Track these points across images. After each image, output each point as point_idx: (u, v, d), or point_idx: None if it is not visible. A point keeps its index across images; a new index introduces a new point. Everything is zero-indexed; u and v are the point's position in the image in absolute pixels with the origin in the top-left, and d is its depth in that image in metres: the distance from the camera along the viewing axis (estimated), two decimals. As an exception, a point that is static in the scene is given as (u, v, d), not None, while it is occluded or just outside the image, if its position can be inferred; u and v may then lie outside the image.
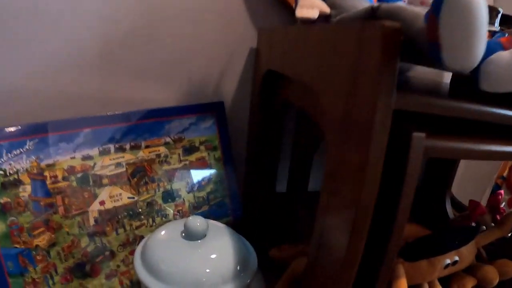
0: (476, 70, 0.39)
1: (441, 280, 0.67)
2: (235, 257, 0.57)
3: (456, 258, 0.64)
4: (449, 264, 0.63)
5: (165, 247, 0.58)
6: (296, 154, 0.80)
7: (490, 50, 0.39)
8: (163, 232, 0.61)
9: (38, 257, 0.63)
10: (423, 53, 0.38)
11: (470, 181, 1.00)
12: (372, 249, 0.43)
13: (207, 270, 0.55)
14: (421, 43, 0.37)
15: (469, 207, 0.70)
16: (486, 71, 0.39)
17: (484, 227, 0.76)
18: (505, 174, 1.17)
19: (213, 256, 0.57)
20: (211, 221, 0.61)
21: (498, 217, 0.75)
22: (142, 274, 0.55)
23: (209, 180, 0.76)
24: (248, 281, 0.57)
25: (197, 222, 0.58)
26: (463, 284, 0.67)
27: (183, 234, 0.58)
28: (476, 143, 0.48)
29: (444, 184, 0.87)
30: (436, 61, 0.36)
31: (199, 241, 0.58)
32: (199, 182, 0.75)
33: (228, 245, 0.59)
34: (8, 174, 0.62)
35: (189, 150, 0.75)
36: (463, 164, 0.89)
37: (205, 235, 0.59)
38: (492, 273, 0.68)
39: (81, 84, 0.73)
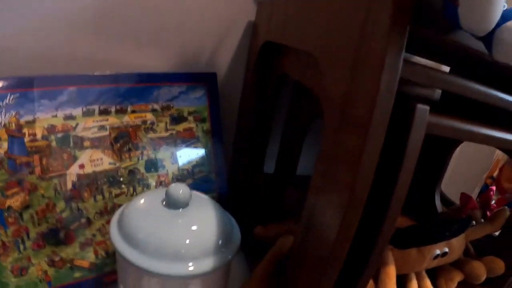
0: (490, 36, 0.37)
1: (428, 272, 0.65)
2: (218, 231, 0.54)
3: (446, 249, 0.63)
4: (438, 255, 0.62)
5: (143, 214, 0.54)
6: (287, 135, 0.77)
7: (505, 17, 0.37)
8: (142, 199, 0.57)
9: (10, 219, 0.59)
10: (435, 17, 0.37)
11: (460, 180, 0.98)
12: (364, 232, 0.41)
13: (187, 241, 0.51)
14: (436, 3, 0.36)
15: (460, 200, 0.68)
16: (500, 38, 0.37)
17: (474, 222, 0.74)
18: (495, 174, 1.16)
19: (194, 227, 0.53)
20: (195, 192, 0.57)
21: (488, 213, 0.73)
22: (118, 241, 0.52)
23: (195, 152, 0.72)
24: (230, 257, 0.53)
25: (179, 189, 0.54)
26: (450, 278, 0.66)
27: (164, 203, 0.55)
28: (478, 126, 0.47)
29: (434, 179, 0.85)
30: (451, 20, 0.35)
31: (180, 210, 0.54)
32: (184, 154, 0.71)
33: (211, 217, 0.55)
34: (-16, 128, 0.57)
35: (177, 119, 0.71)
36: (453, 162, 0.86)
37: (187, 205, 0.55)
38: (480, 269, 0.67)
39: (72, 43, 0.69)
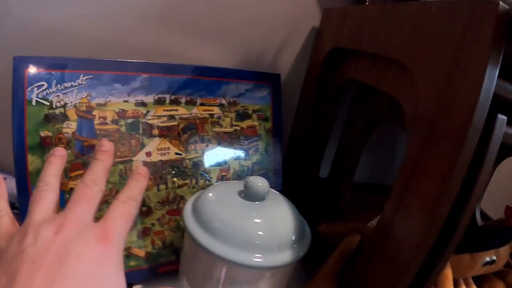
0: None
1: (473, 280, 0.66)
2: (292, 226, 0.53)
3: (494, 257, 0.63)
4: (488, 262, 0.62)
5: (221, 203, 0.54)
6: (345, 140, 0.77)
7: None
8: (218, 189, 0.57)
9: (71, 201, 0.57)
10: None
11: (496, 197, 0.99)
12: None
13: (261, 233, 0.50)
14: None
15: (505, 212, 0.69)
16: None
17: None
18: None
19: (271, 220, 0.53)
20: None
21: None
22: (193, 227, 0.51)
23: (256, 150, 0.72)
24: (301, 253, 0.53)
25: (259, 182, 0.54)
26: (493, 286, 0.67)
27: (242, 194, 0.54)
28: None
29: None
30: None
31: (257, 202, 0.54)
32: (246, 151, 0.71)
33: (286, 213, 0.55)
34: (54, 106, 0.57)
35: (242, 116, 0.71)
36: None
37: (264, 199, 0.55)
38: None
39: (138, 33, 0.69)
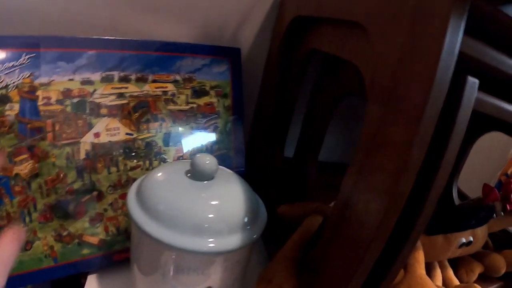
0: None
1: (449, 263, 0.65)
2: (245, 207, 0.49)
3: (471, 238, 0.61)
4: (463, 243, 0.60)
5: (165, 185, 0.50)
6: (311, 115, 0.73)
7: None
8: (164, 170, 0.53)
9: (17, 188, 0.54)
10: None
11: (474, 177, 0.94)
12: (401, 217, 0.38)
13: (211, 215, 0.46)
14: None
15: (483, 191, 0.64)
16: None
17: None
18: (509, 171, 1.13)
19: (220, 201, 0.48)
20: (220, 166, 0.52)
21: (508, 206, 0.70)
22: (135, 212, 0.47)
23: (215, 128, 0.67)
24: (255, 236, 0.48)
25: (206, 159, 0.49)
26: (471, 269, 0.65)
27: (188, 174, 0.50)
28: None
29: (452, 173, 0.81)
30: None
31: (205, 182, 0.49)
32: (204, 129, 0.66)
33: (237, 193, 0.50)
34: (-5, 88, 0.52)
35: (198, 92, 0.66)
36: (467, 159, 0.83)
37: (213, 178, 0.50)
38: (500, 262, 0.66)
39: (92, 8, 0.64)
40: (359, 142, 0.41)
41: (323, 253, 0.47)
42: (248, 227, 0.48)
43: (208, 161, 0.49)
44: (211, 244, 0.44)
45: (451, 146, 0.36)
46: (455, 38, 0.32)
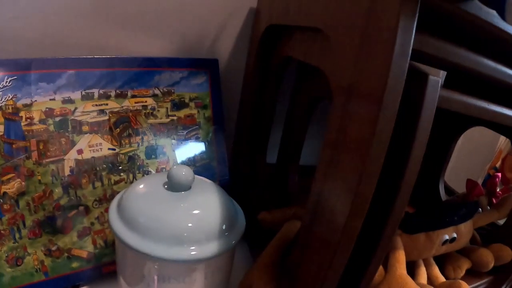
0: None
1: (436, 260, 0.64)
2: (222, 215, 0.50)
3: (454, 235, 0.60)
4: (447, 240, 0.59)
5: (144, 197, 0.51)
6: (290, 122, 0.74)
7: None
8: (143, 183, 0.54)
9: (5, 206, 0.55)
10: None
11: (462, 171, 0.95)
12: (374, 217, 0.39)
13: (189, 225, 0.47)
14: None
15: (467, 186, 0.65)
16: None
17: (480, 209, 0.71)
18: (497, 165, 1.13)
19: (197, 210, 0.50)
20: (198, 176, 0.53)
21: (494, 200, 0.70)
22: (117, 226, 0.48)
23: (196, 139, 0.69)
24: (234, 242, 0.50)
25: (182, 171, 0.50)
26: (458, 265, 0.64)
27: (166, 186, 0.51)
28: (488, 103, 0.45)
29: (438, 169, 0.81)
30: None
31: (183, 192, 0.51)
32: (186, 141, 0.67)
33: (214, 201, 0.51)
34: (-21, 111, 0.54)
35: (178, 105, 0.67)
36: (455, 153, 0.83)
37: (190, 188, 0.51)
38: (488, 257, 0.65)
39: (70, 29, 0.65)
40: (323, 144, 0.42)
41: (298, 257, 0.48)
42: (227, 233, 0.49)
43: (184, 172, 0.50)
44: (191, 252, 0.46)
45: (417, 145, 0.37)
46: (407, 36, 0.32)
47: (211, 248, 0.47)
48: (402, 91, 0.34)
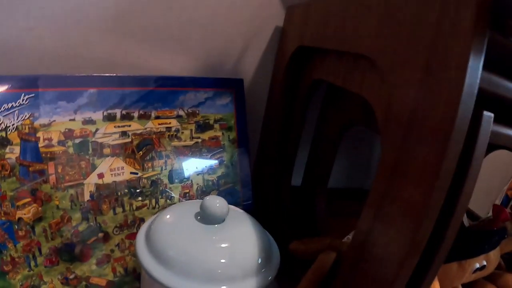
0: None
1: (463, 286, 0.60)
2: (258, 249, 0.45)
3: (484, 262, 0.57)
4: (477, 268, 0.56)
5: (175, 229, 0.46)
6: (318, 144, 0.69)
7: None
8: (173, 212, 0.49)
9: (21, 233, 0.50)
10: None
11: (480, 193, 0.91)
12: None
13: (223, 261, 0.42)
14: None
15: (493, 212, 0.61)
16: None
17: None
18: None
19: (232, 245, 0.45)
20: (230, 206, 0.48)
21: (517, 225, 0.66)
22: (145, 258, 0.43)
23: (221, 162, 0.64)
24: (270, 277, 0.45)
25: (216, 202, 0.46)
26: None
27: (198, 217, 0.46)
28: None
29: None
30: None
31: (216, 226, 0.46)
32: (210, 164, 0.63)
33: (249, 234, 0.47)
34: (-6, 131, 0.48)
35: (203, 127, 0.62)
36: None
37: (224, 220, 0.46)
38: None
39: (91, 44, 0.60)
40: (376, 176, 0.38)
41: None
42: (263, 269, 0.45)
43: (218, 204, 0.45)
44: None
45: (470, 179, 0.33)
46: (475, 73, 0.29)
47: (247, 285, 0.42)
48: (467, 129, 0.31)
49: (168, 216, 0.48)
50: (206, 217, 0.45)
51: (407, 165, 0.34)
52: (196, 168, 0.61)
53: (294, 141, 0.64)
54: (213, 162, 0.63)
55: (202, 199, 0.47)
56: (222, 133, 0.64)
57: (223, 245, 0.44)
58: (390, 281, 0.35)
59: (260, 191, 0.66)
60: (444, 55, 0.30)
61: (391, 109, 0.36)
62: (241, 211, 0.52)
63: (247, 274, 0.43)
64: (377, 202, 0.38)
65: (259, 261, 0.44)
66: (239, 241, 0.46)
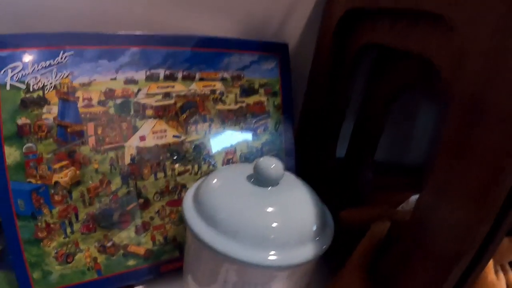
0: None
1: None
2: (312, 215, 0.41)
3: None
4: None
5: (227, 191, 0.42)
6: (366, 113, 0.64)
7: None
8: (224, 174, 0.45)
9: (57, 197, 0.46)
10: None
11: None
12: None
13: (276, 225, 0.38)
14: None
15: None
16: None
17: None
18: None
19: (287, 209, 0.41)
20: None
21: None
22: (193, 219, 0.40)
23: (265, 129, 0.59)
24: (325, 246, 0.40)
25: (271, 163, 0.41)
26: None
27: (252, 179, 0.42)
28: None
29: None
30: None
31: (269, 188, 0.41)
32: (254, 130, 0.58)
33: (304, 199, 0.42)
34: (31, 89, 0.44)
35: (247, 91, 0.58)
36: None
37: (278, 183, 0.42)
38: None
39: (129, 4, 0.55)
40: (439, 150, 0.34)
41: (400, 265, 0.39)
42: (317, 238, 0.40)
43: (274, 165, 0.41)
44: (276, 256, 0.37)
45: None
46: None
47: (302, 252, 0.38)
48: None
49: (218, 178, 0.44)
50: (260, 179, 0.41)
51: (476, 141, 0.30)
52: (240, 133, 0.57)
53: (340, 110, 0.59)
54: (257, 128, 0.58)
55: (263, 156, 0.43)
56: (267, 99, 0.59)
57: (277, 209, 0.40)
58: (454, 255, 0.32)
59: (302, 161, 0.61)
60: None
61: (460, 72, 0.31)
62: (294, 175, 0.47)
63: (301, 240, 0.39)
64: (441, 177, 0.34)
65: (314, 228, 0.40)
66: (293, 206, 0.41)
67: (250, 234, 0.37)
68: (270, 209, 0.39)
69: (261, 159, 0.41)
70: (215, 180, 0.43)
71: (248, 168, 0.43)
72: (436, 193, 0.34)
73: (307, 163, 0.62)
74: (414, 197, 0.51)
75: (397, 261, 0.40)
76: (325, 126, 0.60)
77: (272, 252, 0.37)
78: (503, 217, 0.31)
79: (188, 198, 0.42)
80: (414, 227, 0.38)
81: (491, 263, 0.47)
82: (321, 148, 0.61)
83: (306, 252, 0.38)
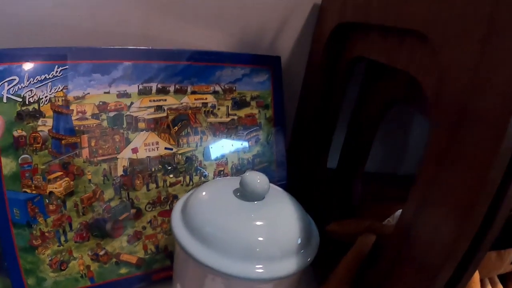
0: None
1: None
2: (298, 229, 0.41)
3: None
4: None
5: (213, 205, 0.42)
6: (356, 125, 0.64)
7: None
8: (211, 188, 0.45)
9: (51, 207, 0.47)
10: None
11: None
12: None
13: (261, 239, 0.39)
14: None
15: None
16: None
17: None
18: None
19: (272, 223, 0.41)
20: (270, 184, 0.44)
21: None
22: (180, 232, 0.40)
23: (256, 141, 0.59)
24: (309, 259, 0.41)
25: (257, 178, 0.42)
26: None
27: (238, 193, 0.42)
28: None
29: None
30: None
31: (255, 203, 0.42)
32: (246, 142, 0.58)
33: (289, 213, 0.43)
34: (27, 102, 0.45)
35: (239, 104, 0.58)
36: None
37: (263, 197, 0.42)
38: None
39: (124, 19, 0.56)
40: (424, 161, 0.34)
41: (385, 277, 0.40)
42: (302, 250, 0.41)
43: (259, 180, 0.42)
44: (261, 269, 0.37)
45: None
46: None
47: (286, 265, 0.39)
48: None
49: (205, 192, 0.44)
50: (245, 194, 0.42)
51: (460, 151, 0.30)
52: (232, 145, 0.58)
53: (331, 121, 0.60)
54: (249, 140, 0.59)
55: (249, 170, 0.43)
56: (259, 111, 0.60)
57: (262, 223, 0.40)
58: (437, 267, 0.32)
59: (294, 172, 0.62)
60: (507, 25, 0.26)
61: (443, 89, 0.32)
62: (281, 189, 0.48)
63: (286, 254, 0.39)
64: (425, 187, 0.34)
65: (299, 241, 0.41)
66: (279, 220, 0.42)
67: (236, 248, 0.38)
68: (255, 223, 0.40)
69: (247, 173, 0.42)
70: (203, 194, 0.44)
71: (235, 182, 0.43)
72: (418, 206, 0.35)
73: (299, 174, 0.62)
74: (400, 212, 0.51)
75: (381, 275, 0.41)
76: (316, 138, 0.61)
77: (258, 265, 0.37)
78: (485, 231, 0.31)
79: (176, 211, 0.43)
80: (397, 240, 0.38)
81: (477, 278, 0.48)
82: (313, 159, 0.62)
83: (291, 264, 0.39)
